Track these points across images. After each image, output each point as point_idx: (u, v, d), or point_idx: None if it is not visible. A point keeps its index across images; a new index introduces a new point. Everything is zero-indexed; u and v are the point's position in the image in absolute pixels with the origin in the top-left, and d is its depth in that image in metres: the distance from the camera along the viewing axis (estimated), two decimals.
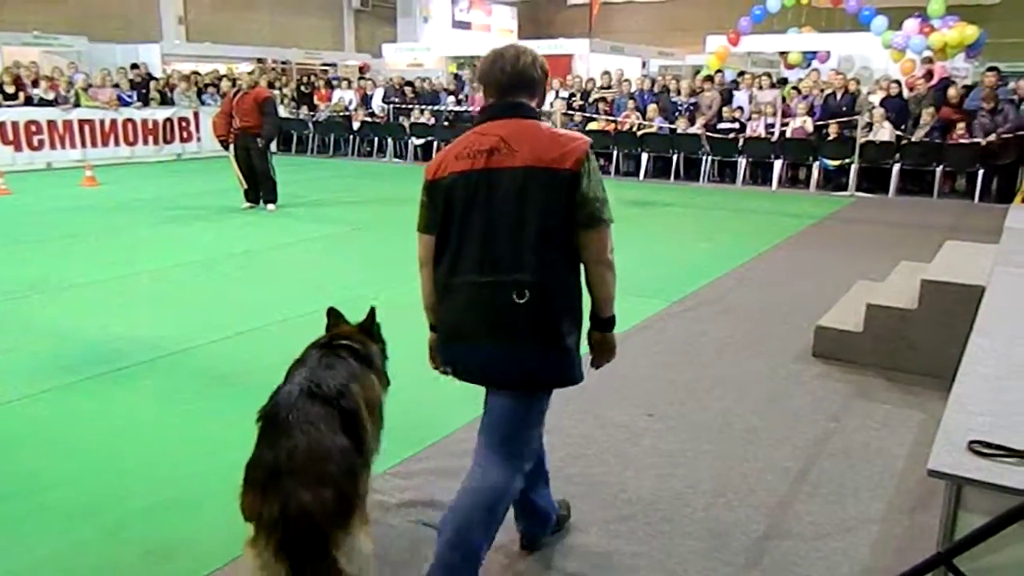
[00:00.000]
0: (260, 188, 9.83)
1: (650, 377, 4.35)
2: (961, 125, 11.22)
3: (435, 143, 15.85)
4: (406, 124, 16.05)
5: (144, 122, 15.13)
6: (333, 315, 2.80)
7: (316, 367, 2.39)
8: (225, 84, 12.24)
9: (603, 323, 2.40)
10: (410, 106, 16.42)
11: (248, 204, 9.84)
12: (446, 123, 15.93)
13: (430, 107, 16.14)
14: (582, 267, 2.29)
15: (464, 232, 2.29)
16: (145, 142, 15.18)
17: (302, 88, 18.46)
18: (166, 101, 15.76)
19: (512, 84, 2.33)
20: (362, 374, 2.48)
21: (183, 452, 3.46)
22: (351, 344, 2.61)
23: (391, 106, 16.68)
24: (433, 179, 2.41)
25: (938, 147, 11.34)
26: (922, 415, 3.78)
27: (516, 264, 2.21)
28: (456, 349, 2.43)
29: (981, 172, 11.01)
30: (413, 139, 15.94)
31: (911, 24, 14.12)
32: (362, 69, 20.73)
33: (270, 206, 9.81)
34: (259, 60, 19.13)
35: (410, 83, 17.42)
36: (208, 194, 10.94)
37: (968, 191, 11.43)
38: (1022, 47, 18.19)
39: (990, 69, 12.17)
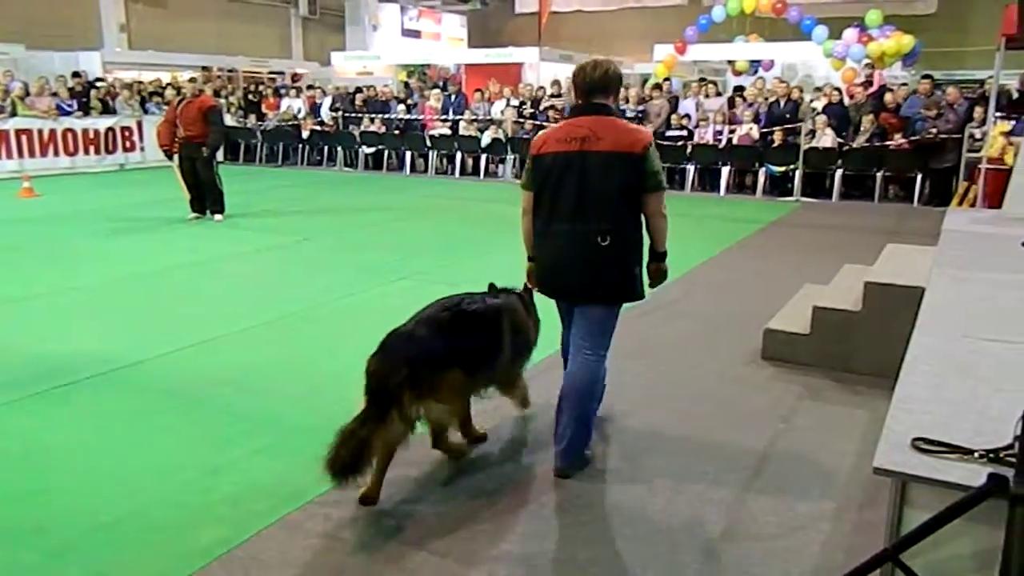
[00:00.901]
0: (207, 198, 9.65)
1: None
2: (899, 132, 11.57)
3: (386, 152, 15.79)
4: (356, 133, 15.94)
5: (85, 132, 14.74)
6: (493, 287, 3.85)
7: (479, 295, 3.54)
8: (169, 92, 12.03)
9: (659, 256, 3.42)
10: (360, 114, 16.32)
11: (194, 215, 9.65)
12: (396, 131, 15.86)
13: (380, 115, 16.06)
14: (644, 220, 3.26)
15: (559, 194, 3.21)
16: (86, 152, 14.79)
17: (249, 96, 18.21)
18: (108, 110, 15.39)
19: (593, 88, 3.23)
20: (513, 307, 3.58)
21: (131, 471, 3.37)
22: (511, 291, 3.77)
23: (340, 114, 16.55)
24: (537, 154, 3.31)
25: (878, 152, 11.68)
26: (868, 414, 3.88)
27: (600, 217, 3.14)
28: (554, 277, 3.36)
29: (919, 176, 11.37)
30: (363, 148, 15.83)
31: (850, 33, 14.52)
32: (295, 78, 20.48)
33: (217, 216, 9.64)
34: (204, 68, 18.79)
35: (360, 91, 17.31)
36: (153, 205, 10.70)
37: (907, 195, 11.79)
38: (954, 56, 18.85)
39: (925, 77, 12.60)
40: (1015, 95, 11.68)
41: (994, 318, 3.11)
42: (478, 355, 3.26)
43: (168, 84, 17.13)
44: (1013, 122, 9.86)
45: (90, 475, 3.33)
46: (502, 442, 3.67)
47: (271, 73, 21.37)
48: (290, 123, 16.78)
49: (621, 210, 3.19)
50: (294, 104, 17.27)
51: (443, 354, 3.05)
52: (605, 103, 3.26)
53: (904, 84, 14.46)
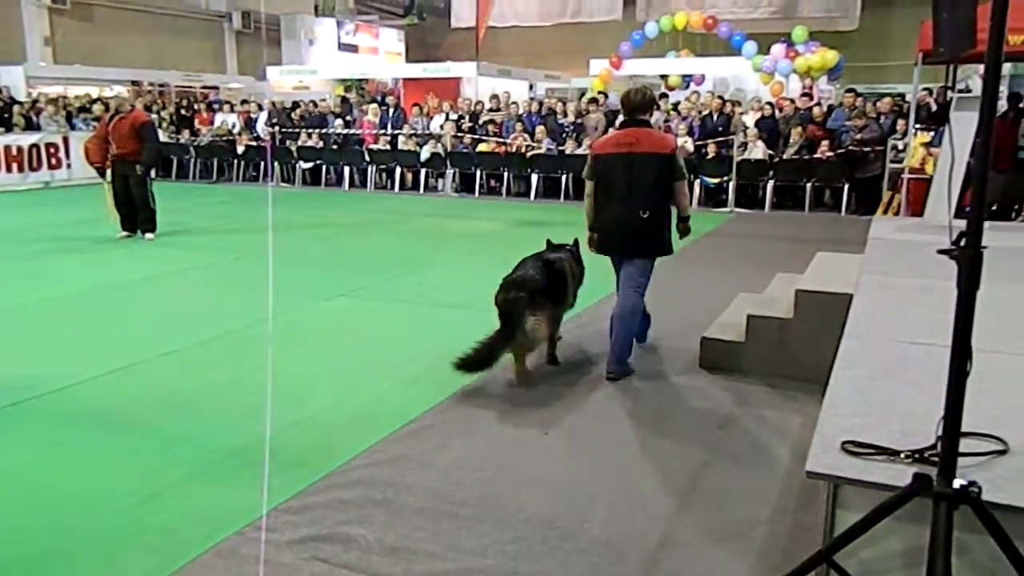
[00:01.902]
0: (138, 216, 9.37)
1: (544, 395, 4.39)
2: (826, 142, 11.95)
3: (324, 167, 15.61)
4: (293, 148, 15.73)
5: (7, 148, 14.20)
6: (551, 244, 5.21)
7: (545, 251, 5.03)
8: (97, 108, 11.64)
9: (684, 219, 4.82)
10: (297, 129, 16.11)
11: (124, 233, 9.37)
12: (335, 146, 15.71)
13: (317, 130, 15.89)
14: (672, 199, 4.68)
15: (612, 183, 4.61)
16: (8, 170, 14.24)
17: (182, 111, 17.82)
18: (32, 126, 14.85)
19: (636, 108, 4.69)
20: (570, 259, 5.01)
21: (55, 502, 3.22)
22: (565, 246, 5.17)
23: (277, 129, 16.31)
24: (597, 154, 4.73)
25: (807, 164, 12.03)
26: (802, 419, 3.96)
27: (642, 199, 4.55)
28: (610, 240, 4.75)
29: (847, 186, 11.76)
30: (300, 163, 15.63)
31: (778, 49, 14.98)
32: (206, 96, 20.10)
33: (148, 235, 9.37)
34: (134, 83, 18.33)
35: (297, 106, 17.10)
36: (80, 224, 10.36)
37: (835, 204, 12.16)
38: (876, 71, 19.60)
39: (849, 91, 13.07)
40: (934, 108, 12.20)
41: (917, 322, 3.22)
42: (559, 290, 4.75)
43: (96, 99, 16.63)
44: (932, 133, 10.28)
45: (11, 507, 3.18)
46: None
47: (204, 87, 20.96)
48: (225, 138, 16.47)
49: (656, 193, 4.60)
50: (228, 119, 16.96)
51: (544, 287, 4.55)
52: (645, 119, 4.74)
53: (829, 99, 14.96)
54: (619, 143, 4.67)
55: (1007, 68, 15.55)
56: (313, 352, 5.20)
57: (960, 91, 8.68)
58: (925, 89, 12.38)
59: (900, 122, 11.31)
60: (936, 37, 2.33)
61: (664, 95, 15.67)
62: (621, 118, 4.88)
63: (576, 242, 5.22)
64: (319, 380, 4.64)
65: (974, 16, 2.22)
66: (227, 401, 4.29)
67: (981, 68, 1.89)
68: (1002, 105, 11.23)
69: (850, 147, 11.58)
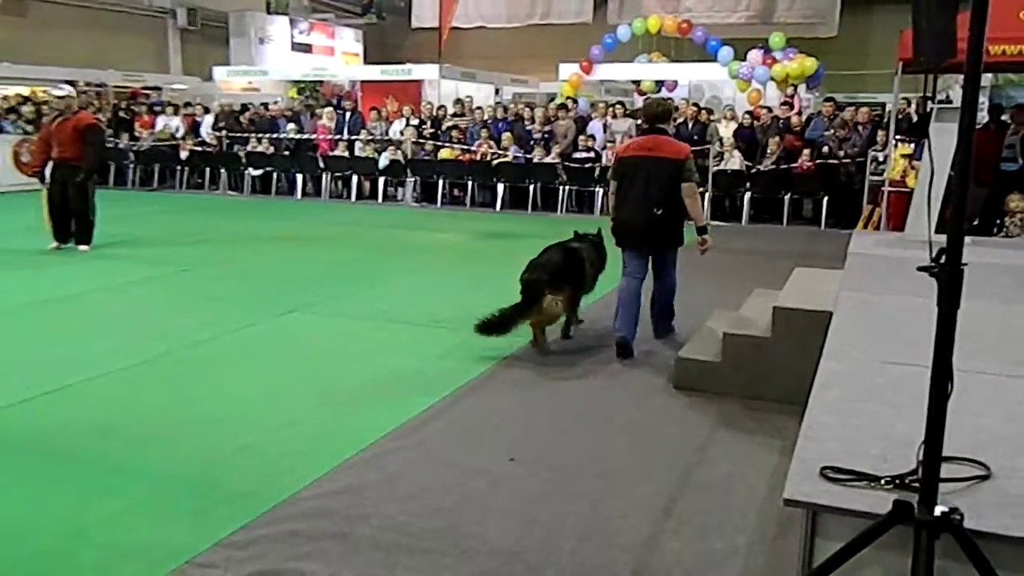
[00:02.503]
0: (76, 226, 9.20)
1: (511, 419, 4.39)
2: (805, 153, 12.16)
3: (274, 174, 15.50)
4: (241, 153, 15.60)
5: None
6: (577, 234, 6.09)
7: (570, 240, 5.91)
8: (27, 109, 11.47)
9: (699, 230, 5.65)
10: (246, 134, 15.99)
11: (56, 244, 9.19)
12: (287, 152, 15.62)
13: (268, 135, 15.79)
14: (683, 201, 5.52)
15: (633, 182, 5.47)
16: None
17: (121, 114, 17.59)
18: None
19: (656, 118, 5.63)
20: (590, 248, 5.91)
21: None
22: (589, 236, 6.07)
23: (224, 134, 16.17)
24: (621, 156, 5.63)
25: (786, 175, 12.24)
26: (781, 442, 4.01)
27: (657, 198, 5.40)
28: (627, 233, 5.60)
29: (826, 199, 11.97)
30: (250, 170, 15.51)
31: (754, 55, 15.24)
32: (136, 95, 19.84)
33: (83, 247, 9.20)
34: (69, 82, 18.04)
35: (246, 109, 16.98)
36: (8, 234, 10.15)
37: (814, 218, 12.38)
38: (855, 79, 20.02)
39: (828, 100, 13.34)
40: (914, 118, 12.49)
41: (897, 341, 3.29)
42: (578, 274, 5.64)
43: (27, 99, 16.36)
44: (913, 145, 10.52)
45: None
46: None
47: (145, 88, 20.71)
48: (167, 143, 16.28)
49: (669, 193, 5.45)
50: (171, 122, 16.79)
51: (564, 270, 5.49)
52: (664, 127, 5.74)
53: (808, 108, 15.27)
54: (640, 147, 5.63)
55: (987, 79, 16.02)
56: (261, 372, 5.15)
57: (941, 102, 8.90)
58: (904, 99, 12.68)
59: (880, 133, 11.57)
60: (916, 46, 2.40)
61: (632, 112, 15.83)
62: (643, 125, 5.99)
63: (599, 232, 6.21)
64: (268, 402, 4.59)
65: (954, 25, 2.29)
66: (167, 426, 4.22)
67: (962, 78, 1.95)
68: (983, 117, 11.52)
69: (838, 160, 11.76)
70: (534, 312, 5.35)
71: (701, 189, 12.77)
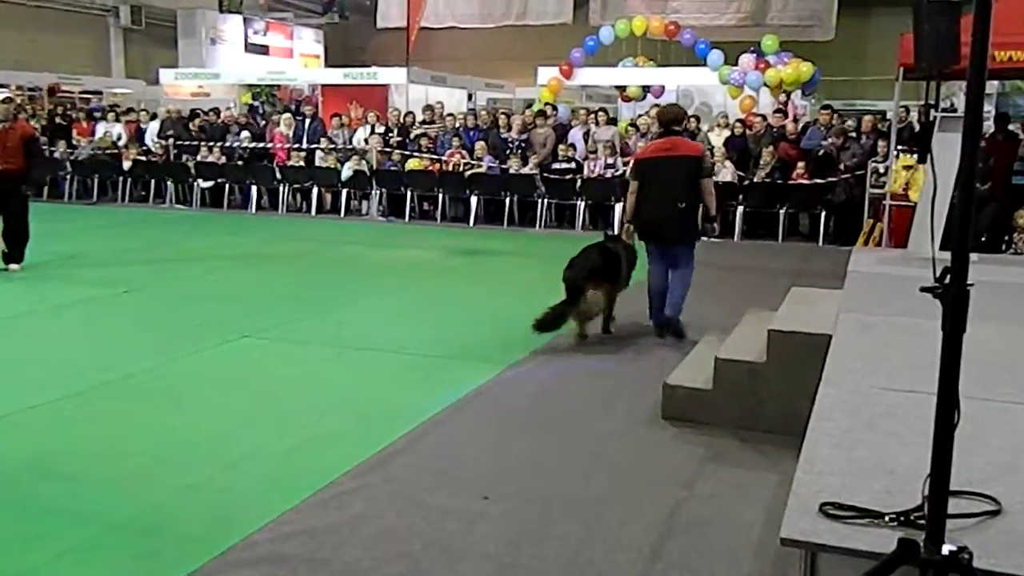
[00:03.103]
0: (13, 244, 9.09)
1: (485, 453, 4.38)
2: (801, 164, 12.31)
3: (227, 186, 15.44)
4: (190, 164, 15.53)
5: None
6: (608, 235, 7.06)
7: (604, 241, 6.85)
8: None
9: (712, 218, 6.83)
10: (195, 142, 15.92)
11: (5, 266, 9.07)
12: (240, 162, 15.56)
13: (220, 144, 15.73)
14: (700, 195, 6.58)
15: (654, 181, 6.45)
16: None
17: (57, 120, 17.44)
18: None
19: (671, 122, 6.69)
20: (623, 247, 6.73)
21: None
22: (618, 236, 6.98)
23: (171, 142, 16.09)
24: (641, 159, 6.86)
25: (781, 188, 12.38)
26: (777, 476, 4.03)
27: (679, 194, 6.40)
28: (653, 229, 6.58)
29: (823, 213, 12.12)
30: (199, 181, 15.43)
31: (747, 59, 15.46)
32: (53, 90, 19.62)
33: (13, 266, 9.07)
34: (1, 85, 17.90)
35: (196, 115, 16.90)
36: None
37: (812, 233, 12.52)
38: (854, 86, 20.35)
39: (824, 107, 13.52)
40: (916, 128, 12.71)
41: (900, 366, 3.33)
42: (615, 271, 6.58)
43: None
44: (915, 156, 10.68)
45: None
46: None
47: (84, 92, 20.58)
48: (108, 152, 16.17)
49: (689, 189, 6.48)
50: (113, 129, 16.68)
51: (603, 268, 6.45)
52: (678, 129, 6.83)
53: (804, 116, 15.48)
54: (659, 149, 6.70)
55: (993, 86, 16.34)
56: (211, 403, 5.10)
57: (944, 110, 9.08)
58: (905, 107, 12.91)
59: (881, 143, 11.72)
60: (917, 51, 2.45)
61: (615, 119, 15.96)
62: (659, 129, 7.05)
63: (625, 227, 7.11)
64: (218, 437, 4.54)
65: (957, 29, 2.34)
66: (108, 463, 4.16)
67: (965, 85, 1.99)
68: (989, 126, 11.75)
69: (838, 172, 11.90)
70: (580, 306, 6.33)
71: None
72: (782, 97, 15.10)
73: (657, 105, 16.01)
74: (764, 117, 13.83)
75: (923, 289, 1.97)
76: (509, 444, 4.52)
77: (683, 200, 6.48)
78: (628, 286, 6.83)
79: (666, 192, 6.46)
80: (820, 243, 12.04)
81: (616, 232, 7.20)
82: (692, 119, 14.22)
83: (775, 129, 13.33)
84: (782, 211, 12.37)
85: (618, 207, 13.03)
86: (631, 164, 7.01)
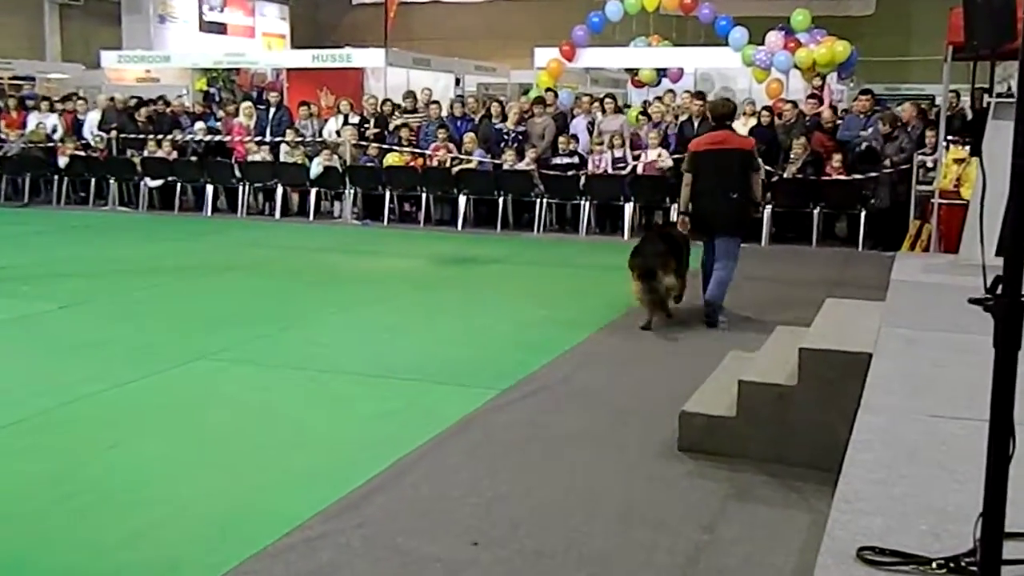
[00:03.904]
0: None
1: (473, 493, 4.37)
2: (837, 158, 12.32)
3: (179, 185, 15.44)
4: (136, 160, 15.53)
5: None
6: (658, 225, 11.03)
7: (662, 228, 10.02)
8: None
9: (756, 204, 8.40)
10: (142, 135, 15.92)
11: None
12: (194, 157, 15.57)
13: (170, 137, 15.74)
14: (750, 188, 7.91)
15: (707, 173, 7.66)
16: None
17: None
18: None
19: (723, 115, 8.02)
20: (680, 234, 8.09)
21: None
22: (670, 223, 10.58)
23: (115, 135, 16.10)
24: (694, 151, 7.85)
25: (815, 185, 12.40)
26: (809, 517, 4.03)
27: (732, 185, 7.63)
28: (706, 220, 7.73)
29: (863, 214, 12.14)
30: (147, 180, 15.44)
31: (774, 38, 15.49)
32: (17, 90, 19.66)
33: None
34: None
35: (143, 103, 16.91)
36: None
37: (850, 236, 12.54)
38: (896, 67, 20.40)
39: (864, 92, 13.54)
40: (969, 115, 12.73)
41: (949, 390, 3.34)
42: (680, 256, 7.75)
43: None
44: (968, 147, 10.71)
45: None
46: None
47: (14, 79, 20.58)
48: (41, 146, 16.16)
49: (741, 181, 7.63)
50: (47, 120, 16.68)
51: (670, 253, 7.56)
52: (729, 124, 8.06)
53: (840, 101, 15.53)
54: (712, 142, 7.81)
55: None
56: (160, 436, 5.09)
57: (1000, 95, 9.07)
58: (955, 91, 12.91)
59: (928, 133, 11.73)
60: (968, 28, 2.46)
61: (625, 106, 15.97)
62: (711, 123, 8.47)
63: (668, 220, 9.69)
64: (167, 475, 4.54)
65: (1014, 3, 2.34)
66: (41, 505, 4.15)
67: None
68: None
69: (885, 169, 11.91)
70: (658, 289, 7.38)
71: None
72: (816, 81, 15.11)
73: (672, 92, 16.21)
74: (795, 104, 13.85)
75: (972, 301, 1.98)
76: (501, 482, 4.51)
77: (736, 192, 7.60)
78: (688, 267, 8.06)
79: (719, 184, 7.59)
80: (859, 248, 12.06)
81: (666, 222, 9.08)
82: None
83: (807, 118, 13.37)
84: (816, 211, 12.40)
85: (628, 207, 13.12)
86: (685, 156, 8.29)
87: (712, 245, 7.81)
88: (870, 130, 12.40)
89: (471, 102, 15.95)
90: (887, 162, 11.94)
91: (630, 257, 7.49)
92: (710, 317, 7.69)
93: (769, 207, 12.52)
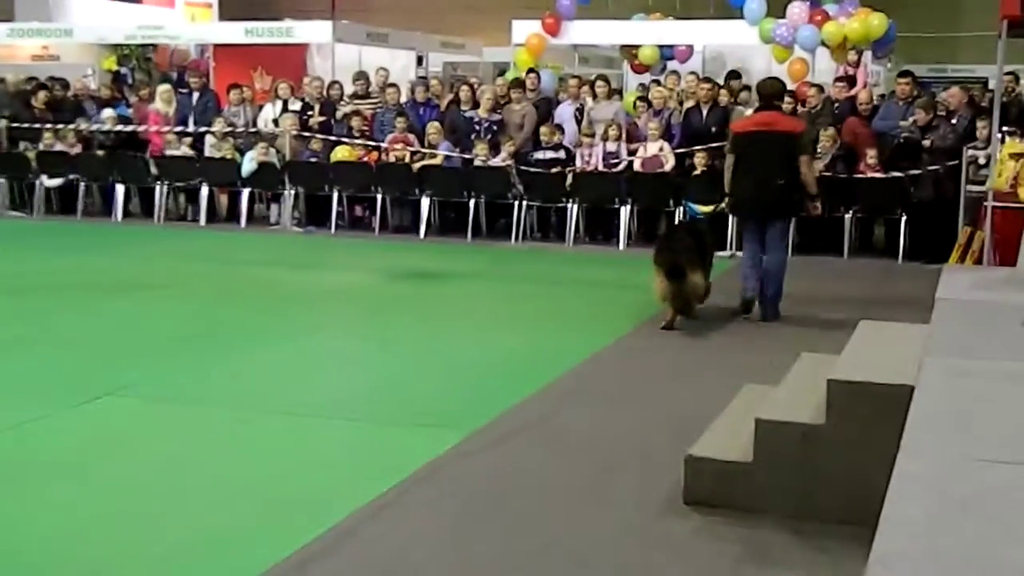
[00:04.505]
0: None
1: (435, 556, 4.37)
2: (871, 153, 12.38)
3: (82, 185, 15.34)
4: (31, 154, 15.44)
5: None
6: (682, 223, 11.99)
7: (688, 224, 11.63)
8: None
9: (812, 197, 9.12)
10: (38, 124, 15.84)
11: None
12: (101, 151, 15.48)
13: (72, 126, 15.67)
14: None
15: (750, 156, 8.86)
16: None
17: None
18: None
19: (772, 96, 9.21)
20: (705, 223, 10.72)
21: None
22: (701, 219, 11.73)
23: (4, 124, 16.02)
24: (738, 132, 9.28)
25: (846, 184, 12.46)
26: None
27: (778, 170, 8.71)
28: (750, 204, 9.09)
29: (904, 218, 12.19)
30: (43, 179, 15.35)
31: (797, 10, 15.58)
32: None
33: None
34: None
35: (42, 86, 16.83)
36: None
37: (889, 246, 12.61)
38: (942, 44, 20.55)
39: (903, 74, 13.62)
40: None
41: (1005, 429, 3.35)
42: (705, 254, 8.74)
43: None
44: None
45: None
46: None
47: None
48: None
49: (788, 166, 8.52)
50: None
51: (698, 250, 8.55)
52: (779, 104, 9.27)
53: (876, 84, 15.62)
54: (759, 123, 8.93)
55: None
56: (63, 489, 5.04)
57: None
58: (1011, 74, 13.01)
59: (980, 123, 11.81)
60: None
61: (619, 91, 15.94)
62: (759, 103, 9.48)
63: (712, 214, 10.82)
64: (72, 535, 4.51)
65: None
66: None
67: None
68: None
69: (928, 165, 12.00)
70: (683, 289, 8.22)
71: (723, 204, 13.32)
72: (852, 56, 15.09)
73: (675, 73, 16.27)
74: (822, 88, 13.94)
75: None
76: (470, 544, 4.50)
77: (781, 177, 8.60)
78: (713, 265, 9.06)
79: (762, 168, 8.66)
80: (899, 259, 12.15)
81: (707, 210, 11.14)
82: (724, 90, 14.37)
83: (836, 104, 13.45)
84: (848, 216, 12.46)
85: (624, 211, 13.14)
86: (728, 136, 9.54)
87: (752, 233, 8.97)
88: (909, 120, 12.49)
89: (436, 85, 15.94)
90: (925, 156, 12.06)
91: (656, 253, 8.43)
92: (767, 313, 8.82)
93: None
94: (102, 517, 4.73)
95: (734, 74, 15.30)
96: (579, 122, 14.16)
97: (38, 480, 5.21)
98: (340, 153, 14.47)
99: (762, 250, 8.87)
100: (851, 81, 14.39)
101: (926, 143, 12.18)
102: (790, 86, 14.58)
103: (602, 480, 5.24)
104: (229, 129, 15.09)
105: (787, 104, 13.62)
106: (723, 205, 12.97)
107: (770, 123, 8.74)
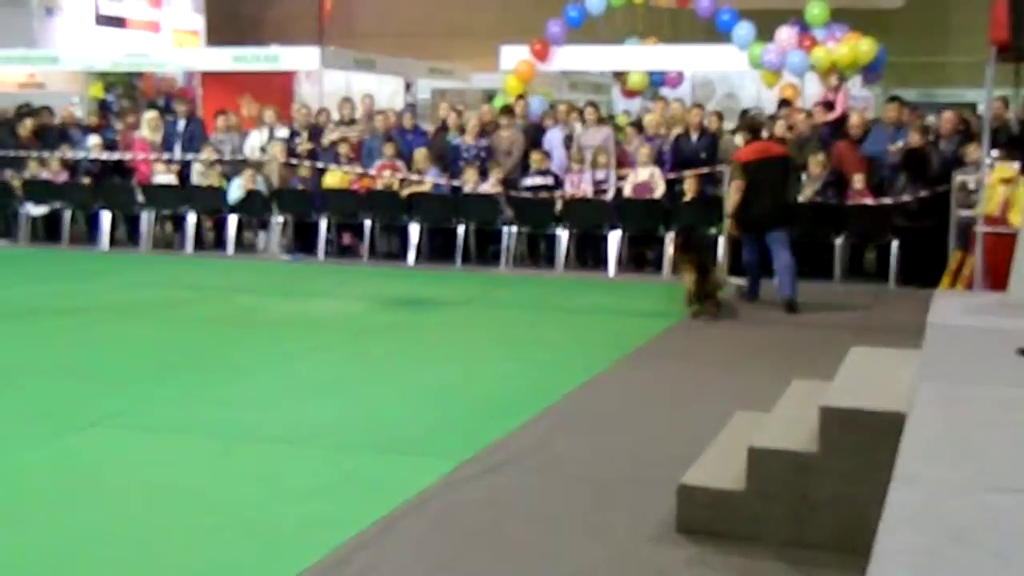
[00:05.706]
0: None
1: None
2: (858, 178, 12.42)
3: (68, 213, 15.33)
4: (16, 182, 15.43)
5: None
6: (687, 228, 12.41)
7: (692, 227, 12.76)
8: None
9: (799, 206, 12.48)
10: (23, 152, 15.83)
11: None
12: (87, 178, 15.47)
13: (58, 154, 15.66)
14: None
15: (759, 181, 10.79)
16: None
17: None
18: None
19: (759, 127, 12.16)
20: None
21: None
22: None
23: None
24: (745, 161, 11.03)
25: (835, 210, 12.50)
26: None
27: (781, 190, 11.17)
28: (760, 220, 10.89)
29: (894, 243, 12.23)
30: (29, 206, 15.34)
31: (786, 34, 15.65)
32: None
33: None
34: None
35: (30, 113, 16.83)
36: None
37: (879, 271, 12.64)
38: (931, 70, 20.67)
39: (892, 99, 13.69)
40: (1015, 129, 12.90)
41: (1001, 456, 3.34)
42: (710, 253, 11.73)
43: None
44: (1017, 164, 10.82)
45: None
46: None
47: None
48: None
49: (787, 187, 11.39)
50: None
51: (709, 248, 12.00)
52: (762, 135, 12.00)
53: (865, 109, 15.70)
54: (759, 152, 10.86)
55: None
56: (43, 522, 5.02)
57: None
58: (1001, 98, 13.10)
59: (971, 148, 11.85)
60: (1014, 24, 2.49)
61: (609, 117, 16.01)
62: (749, 135, 11.46)
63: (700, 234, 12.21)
64: (53, 568, 4.48)
65: None
66: None
67: None
68: None
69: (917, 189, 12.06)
70: (711, 280, 10.11)
71: (713, 230, 13.48)
72: (832, 80, 15.17)
73: (663, 99, 16.33)
74: (810, 114, 14.02)
75: (1022, 351, 1.99)
76: (462, 574, 4.48)
77: (784, 193, 10.91)
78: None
79: (770, 189, 10.59)
80: (890, 284, 12.18)
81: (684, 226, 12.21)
82: (713, 117, 14.43)
83: (825, 128, 13.50)
84: (838, 241, 12.50)
85: (614, 235, 13.15)
86: (734, 164, 11.16)
87: (755, 241, 10.89)
88: (900, 143, 12.56)
89: (425, 111, 15.97)
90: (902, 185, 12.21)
91: (679, 252, 10.90)
92: (790, 307, 10.50)
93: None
94: (85, 548, 4.71)
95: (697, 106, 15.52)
96: (568, 148, 14.19)
97: (24, 510, 5.18)
98: (328, 180, 14.49)
99: (761, 252, 10.85)
100: (829, 106, 14.48)
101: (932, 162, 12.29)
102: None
103: (595, 509, 5.22)
104: (216, 156, 15.10)
105: (780, 125, 13.80)
106: (713, 232, 13.24)
107: (767, 150, 10.96)
